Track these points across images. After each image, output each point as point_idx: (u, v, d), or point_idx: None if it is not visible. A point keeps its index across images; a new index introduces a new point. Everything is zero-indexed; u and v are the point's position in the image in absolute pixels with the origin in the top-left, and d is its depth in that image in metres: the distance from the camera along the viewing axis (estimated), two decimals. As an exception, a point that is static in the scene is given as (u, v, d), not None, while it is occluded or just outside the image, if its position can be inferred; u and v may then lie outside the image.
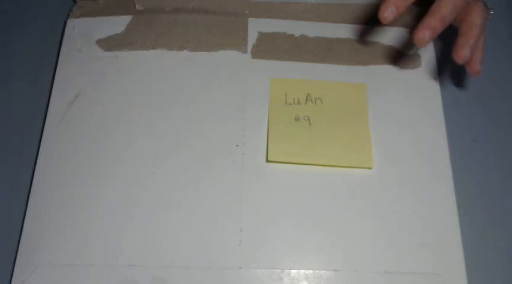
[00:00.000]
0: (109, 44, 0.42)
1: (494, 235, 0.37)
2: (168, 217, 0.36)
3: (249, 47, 0.42)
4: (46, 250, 0.35)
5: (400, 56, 0.42)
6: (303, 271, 0.35)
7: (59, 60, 0.42)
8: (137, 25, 0.43)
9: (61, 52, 0.42)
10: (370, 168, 0.38)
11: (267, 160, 0.38)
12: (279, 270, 0.35)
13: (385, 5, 0.34)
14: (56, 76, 0.41)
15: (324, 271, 0.35)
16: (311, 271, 0.35)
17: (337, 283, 0.34)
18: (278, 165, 0.38)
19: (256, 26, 0.43)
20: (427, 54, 0.43)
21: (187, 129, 0.39)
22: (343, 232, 0.36)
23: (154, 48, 0.42)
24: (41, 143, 0.38)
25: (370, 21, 0.44)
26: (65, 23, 0.43)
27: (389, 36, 0.43)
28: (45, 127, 0.39)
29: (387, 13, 0.34)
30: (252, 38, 0.43)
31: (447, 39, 0.44)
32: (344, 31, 0.43)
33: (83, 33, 0.43)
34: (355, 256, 0.35)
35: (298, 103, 0.40)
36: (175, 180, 0.37)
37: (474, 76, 0.36)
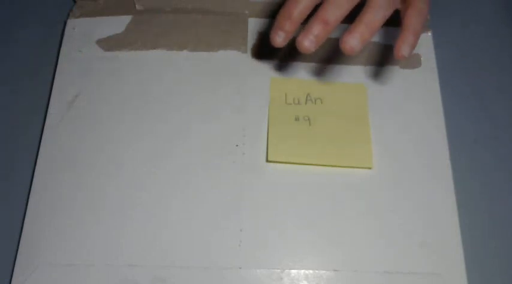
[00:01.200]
0: (109, 44, 0.42)
1: (494, 235, 0.37)
2: (168, 217, 0.36)
3: (249, 47, 0.42)
4: (46, 250, 0.35)
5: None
6: (303, 271, 0.35)
7: (59, 60, 0.42)
8: (137, 25, 0.43)
9: (61, 52, 0.42)
10: (370, 168, 0.38)
11: (267, 160, 0.38)
12: (279, 270, 0.35)
13: (304, 33, 0.32)
14: (56, 76, 0.41)
15: (324, 271, 0.35)
16: (311, 271, 0.35)
17: (337, 283, 0.34)
18: (278, 165, 0.38)
19: (256, 26, 0.43)
20: (427, 54, 0.42)
21: (187, 129, 0.39)
22: (343, 232, 0.36)
23: (154, 48, 0.42)
24: (41, 143, 0.38)
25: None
26: (65, 23, 0.43)
27: (389, 36, 0.43)
28: (45, 127, 0.39)
29: (307, 43, 0.32)
30: (252, 38, 0.43)
31: (447, 38, 0.44)
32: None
33: (83, 33, 0.43)
34: (355, 256, 0.35)
35: (298, 103, 0.40)
36: (175, 180, 0.37)
37: (400, 60, 0.33)
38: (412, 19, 0.33)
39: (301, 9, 0.32)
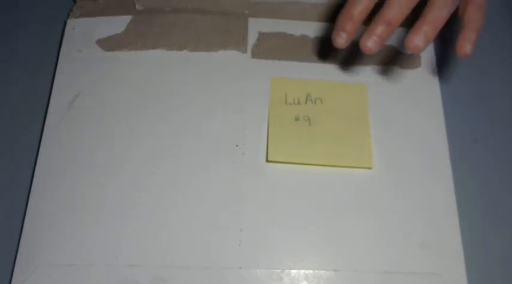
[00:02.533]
0: (109, 44, 0.42)
1: (494, 235, 0.37)
2: (168, 217, 0.36)
3: (249, 47, 0.42)
4: (46, 250, 0.35)
5: (400, 56, 0.42)
6: (303, 271, 0.35)
7: (59, 60, 0.42)
8: (137, 25, 0.43)
9: (61, 52, 0.42)
10: (370, 168, 0.38)
11: (267, 160, 0.38)
12: (279, 270, 0.35)
13: (368, 34, 0.32)
14: (56, 76, 0.41)
15: (324, 271, 0.35)
16: (311, 271, 0.35)
17: (337, 283, 0.34)
18: (278, 165, 0.38)
19: (256, 26, 0.43)
20: (427, 54, 0.42)
21: (187, 129, 0.39)
22: (343, 232, 0.36)
23: (154, 48, 0.42)
24: (41, 143, 0.38)
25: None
26: (65, 23, 0.43)
27: (390, 37, 0.43)
28: (45, 127, 0.39)
29: (370, 43, 0.32)
30: (252, 38, 0.43)
31: (447, 38, 0.44)
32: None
33: (83, 33, 0.43)
34: (355, 256, 0.35)
35: (298, 103, 0.40)
36: (175, 180, 0.37)
37: (463, 58, 0.33)
38: (473, 15, 0.33)
39: (362, 9, 0.32)
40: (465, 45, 0.32)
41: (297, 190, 0.37)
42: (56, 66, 0.42)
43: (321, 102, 0.40)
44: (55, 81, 0.41)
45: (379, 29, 0.32)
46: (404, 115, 0.40)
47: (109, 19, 0.43)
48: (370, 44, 0.32)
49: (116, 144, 0.38)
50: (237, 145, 0.38)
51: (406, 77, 0.42)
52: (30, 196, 0.37)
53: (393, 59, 0.42)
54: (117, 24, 0.43)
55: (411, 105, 0.40)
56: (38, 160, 0.38)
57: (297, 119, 0.39)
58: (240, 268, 0.34)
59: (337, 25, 0.33)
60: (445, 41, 0.44)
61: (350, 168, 0.38)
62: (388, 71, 0.42)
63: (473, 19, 0.33)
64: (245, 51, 0.42)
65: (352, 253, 0.35)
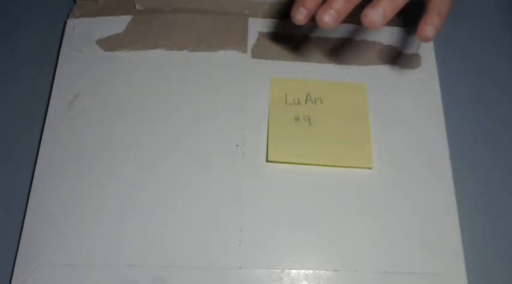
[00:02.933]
0: (109, 44, 0.42)
1: (494, 235, 0.37)
2: (168, 217, 0.36)
3: (249, 47, 0.42)
4: (46, 250, 0.35)
5: (400, 56, 0.42)
6: (303, 271, 0.35)
7: (59, 60, 0.42)
8: (137, 25, 0.43)
9: (61, 52, 0.42)
10: (370, 168, 0.38)
11: (267, 160, 0.38)
12: (279, 270, 0.35)
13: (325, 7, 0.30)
14: (56, 76, 0.41)
15: (324, 271, 0.35)
16: (311, 271, 0.35)
17: (337, 283, 0.34)
18: (278, 165, 0.38)
19: (256, 26, 0.43)
20: (427, 54, 0.42)
21: (187, 129, 0.39)
22: (343, 232, 0.36)
23: (154, 48, 0.42)
24: (41, 143, 0.38)
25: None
26: (65, 23, 0.43)
27: (389, 36, 0.43)
28: (45, 127, 0.39)
29: (327, 18, 0.31)
30: (252, 38, 0.43)
31: (447, 37, 0.44)
32: (344, 31, 0.43)
33: (83, 33, 0.43)
34: (355, 256, 0.35)
35: (298, 103, 0.40)
36: (175, 180, 0.37)
37: (424, 41, 0.31)
38: (438, 1, 0.32)
39: None
40: (426, 28, 0.31)
41: (297, 190, 0.37)
42: (56, 66, 0.42)
43: (321, 102, 0.40)
44: (55, 81, 0.41)
45: (337, 3, 0.30)
46: (404, 115, 0.40)
47: (109, 19, 0.43)
48: (327, 18, 0.31)
49: (116, 144, 0.38)
50: (237, 145, 0.38)
51: (406, 77, 0.42)
52: (30, 196, 0.37)
53: (393, 59, 0.42)
54: (117, 24, 0.43)
55: (411, 105, 0.40)
56: (38, 160, 0.38)
57: (297, 119, 0.39)
58: (240, 268, 0.34)
59: (297, 1, 0.32)
60: (445, 41, 0.44)
61: (350, 168, 0.38)
62: (388, 71, 0.42)
63: (438, 5, 0.32)
64: (245, 51, 0.42)
65: (352, 253, 0.35)
